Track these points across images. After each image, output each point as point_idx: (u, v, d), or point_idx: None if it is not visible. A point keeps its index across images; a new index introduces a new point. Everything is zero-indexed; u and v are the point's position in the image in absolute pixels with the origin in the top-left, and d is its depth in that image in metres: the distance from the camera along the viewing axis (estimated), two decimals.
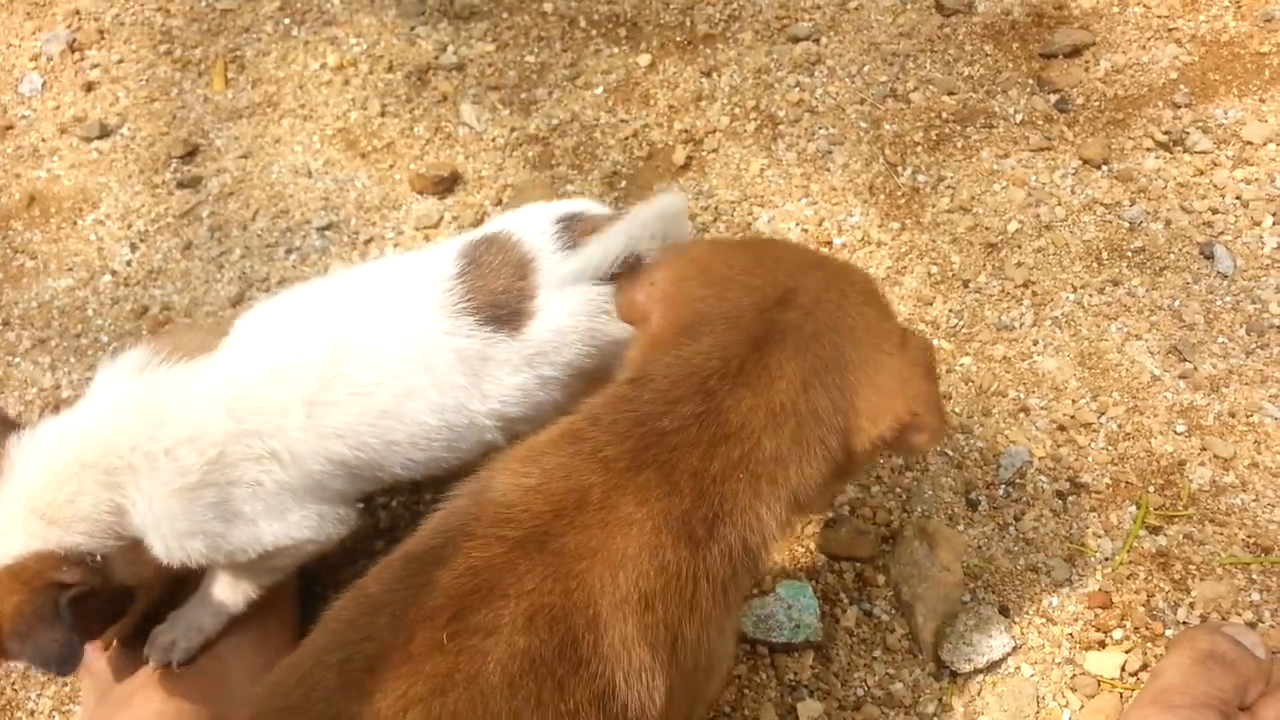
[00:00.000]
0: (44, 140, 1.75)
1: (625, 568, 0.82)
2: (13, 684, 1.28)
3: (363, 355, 1.06)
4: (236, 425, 1.03)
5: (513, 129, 1.69)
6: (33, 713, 1.26)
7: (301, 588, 1.28)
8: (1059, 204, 1.52)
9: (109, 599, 1.05)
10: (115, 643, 1.20)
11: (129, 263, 1.60)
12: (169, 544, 1.03)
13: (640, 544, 0.83)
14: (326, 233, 1.61)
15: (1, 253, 1.63)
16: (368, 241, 1.60)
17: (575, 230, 1.10)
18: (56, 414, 1.08)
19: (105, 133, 1.74)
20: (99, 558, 1.02)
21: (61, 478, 1.01)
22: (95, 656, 1.20)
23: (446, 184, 1.63)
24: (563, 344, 1.08)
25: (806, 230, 1.52)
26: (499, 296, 1.07)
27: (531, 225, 1.11)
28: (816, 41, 1.75)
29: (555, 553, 0.83)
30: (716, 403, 0.86)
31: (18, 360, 1.53)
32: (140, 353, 1.07)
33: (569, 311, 1.07)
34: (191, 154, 1.71)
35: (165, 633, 1.15)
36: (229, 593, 1.13)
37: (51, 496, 1.00)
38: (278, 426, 1.04)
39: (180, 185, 1.67)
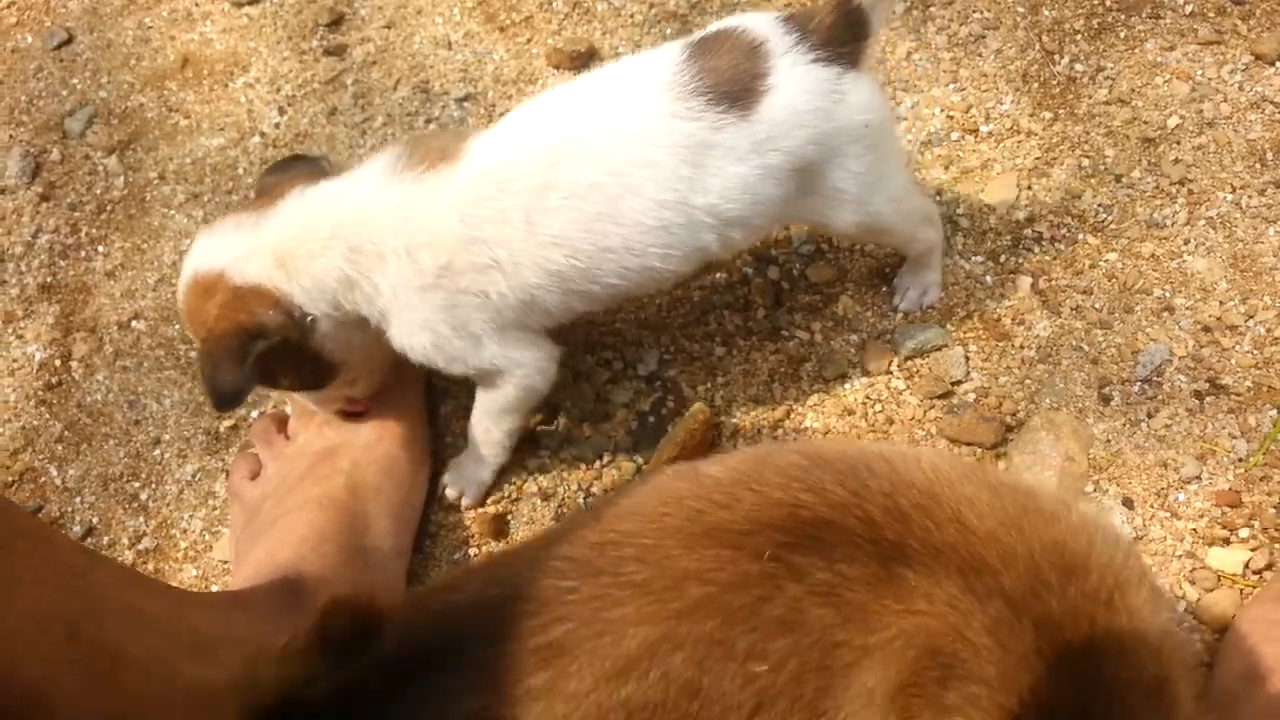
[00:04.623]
0: (197, 4, 1.81)
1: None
2: (167, 504, 1.38)
3: (579, 157, 1.08)
4: (467, 231, 1.09)
5: (651, 5, 1.67)
6: (185, 531, 1.36)
7: (433, 437, 1.34)
8: (1224, 100, 1.44)
9: (304, 360, 1.15)
10: (266, 471, 1.28)
11: (277, 125, 1.65)
12: (407, 329, 1.13)
13: None
14: (464, 104, 1.63)
15: (158, 110, 1.70)
16: (504, 114, 1.60)
17: (797, 18, 1.09)
18: None
19: None
20: (311, 318, 1.12)
21: (310, 236, 1.10)
22: (246, 486, 1.29)
23: (583, 60, 1.63)
24: (794, 125, 1.07)
25: (952, 117, 1.48)
26: (730, 74, 1.06)
27: (753, 19, 1.11)
28: None
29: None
30: None
31: (173, 213, 1.61)
32: (405, 149, 1.15)
33: (803, 89, 1.07)
34: (337, 22, 1.74)
35: (454, 481, 1.30)
36: (490, 437, 1.26)
37: (294, 247, 1.10)
38: (502, 235, 1.09)
39: (326, 53, 1.71)
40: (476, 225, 1.09)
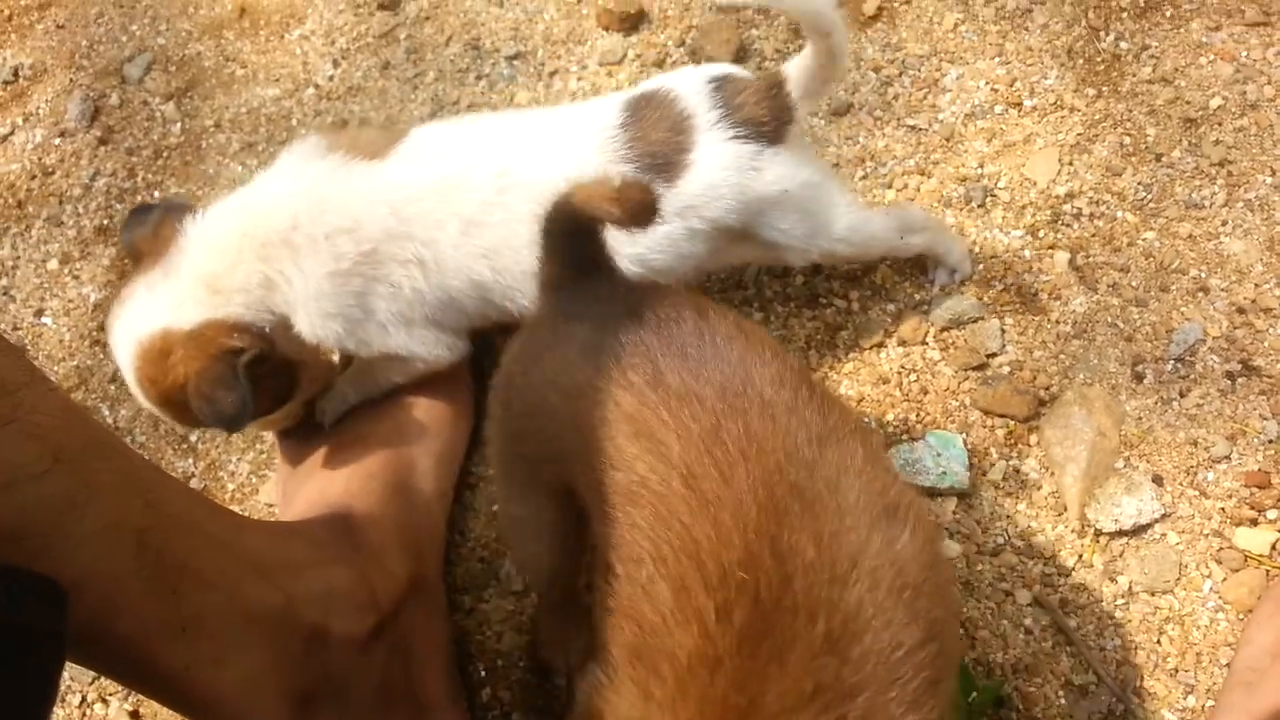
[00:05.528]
0: None
1: None
2: (216, 447, 1.43)
3: (522, 188, 1.14)
4: (397, 226, 1.13)
5: None
6: (233, 473, 1.41)
7: (476, 391, 1.38)
8: (1268, 83, 1.45)
9: (277, 371, 1.17)
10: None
11: (331, 78, 1.68)
12: (313, 320, 1.15)
13: None
14: (514, 62, 1.65)
15: (215, 59, 1.74)
16: (552, 74, 1.64)
17: (727, 90, 1.15)
18: None
19: None
20: (266, 329, 1.14)
21: (224, 248, 1.12)
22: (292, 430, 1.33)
23: (633, 21, 1.64)
24: (713, 198, 1.14)
25: (997, 90, 1.49)
26: (657, 147, 1.13)
27: (688, 84, 1.17)
28: None
29: None
30: None
31: (227, 161, 1.64)
32: (317, 140, 1.17)
33: (720, 166, 1.13)
34: None
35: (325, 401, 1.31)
36: (384, 376, 1.28)
37: (214, 267, 1.11)
38: (432, 237, 1.14)
39: (381, 7, 1.73)
40: (408, 222, 1.13)
